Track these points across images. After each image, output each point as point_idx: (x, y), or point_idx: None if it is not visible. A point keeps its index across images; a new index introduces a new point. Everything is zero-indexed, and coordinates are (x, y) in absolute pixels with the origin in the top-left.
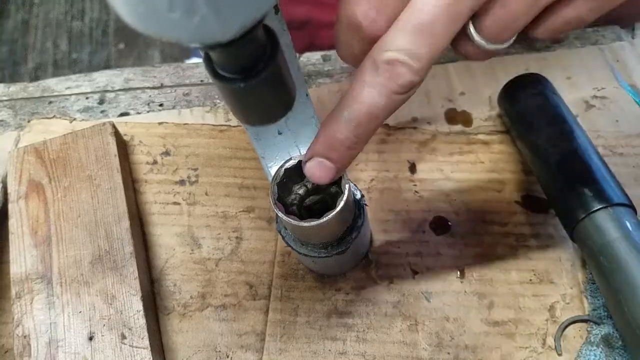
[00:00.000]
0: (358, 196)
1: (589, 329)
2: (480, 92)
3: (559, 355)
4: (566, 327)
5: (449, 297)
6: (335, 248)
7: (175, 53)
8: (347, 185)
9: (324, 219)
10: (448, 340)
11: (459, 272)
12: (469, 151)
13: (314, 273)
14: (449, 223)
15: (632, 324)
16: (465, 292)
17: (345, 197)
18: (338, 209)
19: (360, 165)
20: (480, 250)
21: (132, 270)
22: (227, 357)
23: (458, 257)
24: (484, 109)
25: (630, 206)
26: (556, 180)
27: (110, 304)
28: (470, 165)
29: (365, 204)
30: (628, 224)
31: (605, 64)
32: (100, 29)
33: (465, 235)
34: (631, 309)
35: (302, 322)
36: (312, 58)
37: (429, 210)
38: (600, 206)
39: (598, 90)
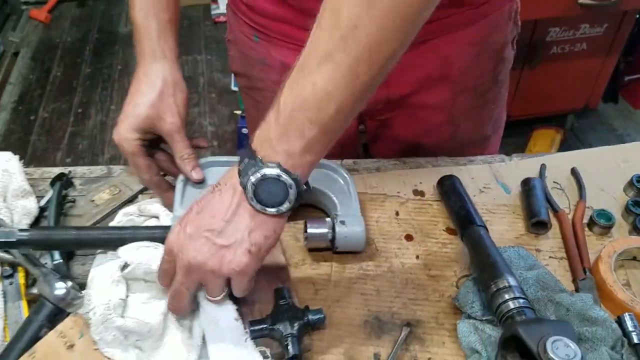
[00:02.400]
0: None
1: (469, 278)
2: (430, 182)
3: (457, 288)
4: (460, 278)
5: (413, 267)
6: None
7: None
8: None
9: None
10: (411, 284)
11: (416, 257)
12: (424, 208)
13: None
14: (412, 237)
15: (476, 274)
16: (419, 265)
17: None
18: None
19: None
20: (430, 248)
21: (280, 252)
22: (313, 283)
23: (420, 251)
24: (431, 189)
25: (484, 226)
26: (457, 219)
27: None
28: (424, 214)
29: None
30: (482, 232)
31: (491, 173)
32: None
33: (424, 243)
34: (476, 267)
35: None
36: None
37: (410, 230)
38: (472, 225)
39: (486, 185)
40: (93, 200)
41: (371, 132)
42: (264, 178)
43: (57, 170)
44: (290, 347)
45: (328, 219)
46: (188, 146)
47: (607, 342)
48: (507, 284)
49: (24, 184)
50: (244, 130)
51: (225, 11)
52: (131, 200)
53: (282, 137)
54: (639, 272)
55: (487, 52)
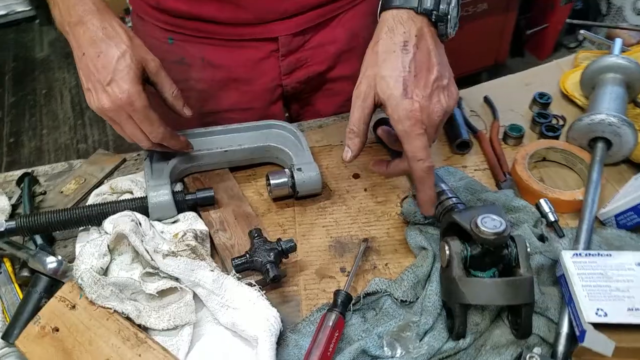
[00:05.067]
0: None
1: (410, 195)
2: None
3: (401, 207)
4: (404, 198)
5: (363, 198)
6: None
7: None
8: None
9: None
10: (363, 211)
11: (364, 189)
12: (366, 150)
13: None
14: (359, 175)
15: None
16: (367, 196)
17: None
18: None
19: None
20: (375, 181)
21: (247, 205)
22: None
23: (367, 185)
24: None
25: None
26: (394, 151)
27: None
28: (366, 155)
29: None
30: None
31: None
32: (103, 147)
33: (369, 178)
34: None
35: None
36: None
37: (356, 170)
38: None
39: None
40: (62, 192)
41: (295, 114)
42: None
43: (18, 173)
44: (270, 271)
45: (287, 170)
46: (173, 83)
47: (529, 223)
48: (440, 189)
49: None
50: None
51: None
52: (98, 186)
53: None
54: (549, 170)
55: None
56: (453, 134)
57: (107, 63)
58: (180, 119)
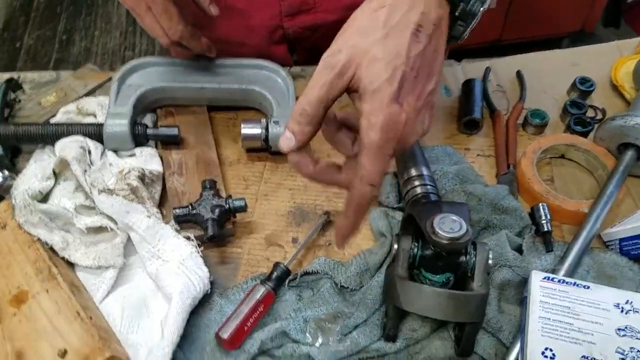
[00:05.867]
0: None
1: (390, 172)
2: None
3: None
4: (385, 174)
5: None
6: None
7: None
8: None
9: None
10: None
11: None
12: None
13: None
14: None
15: (396, 166)
16: None
17: None
18: None
19: None
20: None
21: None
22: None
23: None
24: None
25: None
26: None
27: None
28: None
29: None
30: None
31: None
32: None
33: None
34: (396, 160)
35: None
36: None
37: None
38: None
39: None
40: (40, 103)
41: (302, 61)
42: None
43: (6, 76)
44: (209, 229)
45: (263, 120)
46: None
47: (513, 229)
48: (419, 173)
49: None
50: None
51: None
52: None
53: None
54: (565, 170)
55: None
56: (465, 109)
57: None
58: None
